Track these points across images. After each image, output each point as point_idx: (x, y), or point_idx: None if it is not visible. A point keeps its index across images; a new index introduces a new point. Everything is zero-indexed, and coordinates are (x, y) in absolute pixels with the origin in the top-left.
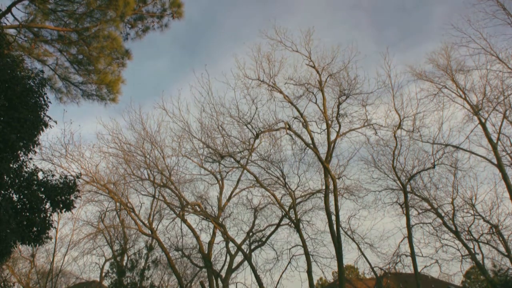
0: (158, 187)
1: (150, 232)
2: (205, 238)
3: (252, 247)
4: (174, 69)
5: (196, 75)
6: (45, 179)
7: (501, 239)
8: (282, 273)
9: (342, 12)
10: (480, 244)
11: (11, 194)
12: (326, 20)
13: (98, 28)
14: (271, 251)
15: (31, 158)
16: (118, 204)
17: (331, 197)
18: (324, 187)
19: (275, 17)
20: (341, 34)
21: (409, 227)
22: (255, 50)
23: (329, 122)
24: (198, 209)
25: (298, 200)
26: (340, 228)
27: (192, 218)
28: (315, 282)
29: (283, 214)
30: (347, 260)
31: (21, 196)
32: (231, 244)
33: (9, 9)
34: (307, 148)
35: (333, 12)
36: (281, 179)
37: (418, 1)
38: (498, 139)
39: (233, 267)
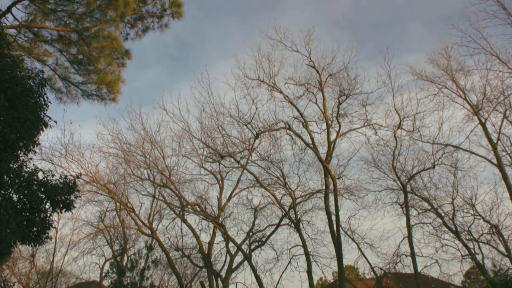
0: (158, 187)
1: (150, 232)
2: (205, 238)
3: (252, 247)
4: (164, 79)
5: (196, 75)
6: (45, 179)
7: (501, 239)
8: (282, 273)
9: (322, 28)
10: (480, 244)
11: (11, 194)
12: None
13: (98, 28)
14: (271, 251)
15: (31, 158)
16: (118, 204)
17: (331, 197)
18: (324, 187)
19: (256, 33)
20: (322, 46)
21: (409, 227)
22: (255, 50)
23: (329, 122)
24: (198, 209)
25: (298, 200)
26: (340, 228)
27: (192, 218)
28: (315, 282)
29: (283, 214)
30: (347, 260)
31: (21, 196)
32: (231, 244)
33: (9, 9)
34: (307, 148)
35: (314, 27)
36: (281, 179)
37: (392, 19)
38: (498, 139)
39: (233, 267)
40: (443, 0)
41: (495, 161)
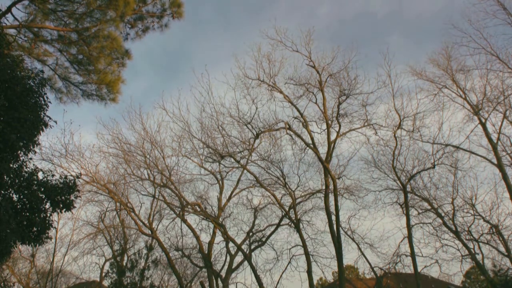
0: (158, 187)
1: (150, 232)
2: (205, 238)
3: (252, 247)
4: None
5: (196, 75)
6: (45, 179)
7: (501, 239)
8: (282, 273)
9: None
10: (480, 244)
11: (11, 194)
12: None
13: (98, 28)
14: (271, 251)
15: (31, 158)
16: (118, 204)
17: (331, 197)
18: (324, 187)
19: (241, 49)
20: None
21: (409, 227)
22: (255, 50)
23: (329, 122)
24: (198, 209)
25: (298, 200)
26: (340, 228)
27: (192, 218)
28: (315, 282)
29: (283, 214)
30: (347, 260)
31: (21, 196)
32: (231, 244)
33: (9, 9)
34: (307, 148)
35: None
36: (281, 179)
37: (373, 32)
38: (498, 139)
39: (233, 267)
40: (420, 14)
41: (495, 161)
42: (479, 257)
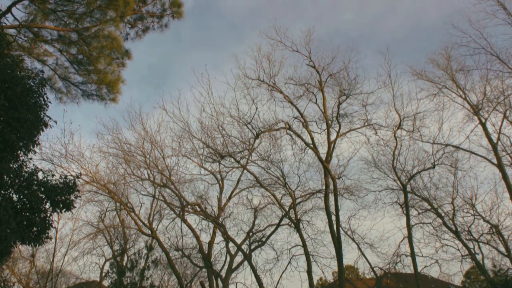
0: (158, 187)
1: (150, 232)
2: (205, 238)
3: (252, 247)
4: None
5: (196, 75)
6: (45, 179)
7: (501, 239)
8: (282, 273)
9: (283, 52)
10: (480, 244)
11: (11, 194)
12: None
13: (98, 28)
14: (271, 251)
15: (31, 158)
16: (118, 204)
17: (331, 197)
18: (324, 187)
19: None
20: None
21: (409, 227)
22: (255, 50)
23: (329, 122)
24: (198, 209)
25: (298, 200)
26: (340, 228)
27: (192, 218)
28: (315, 282)
29: (283, 214)
30: (347, 260)
31: (21, 196)
32: (231, 244)
33: (9, 9)
34: (307, 148)
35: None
36: (281, 179)
37: (350, 46)
38: (498, 139)
39: (233, 267)
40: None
41: (495, 161)
42: (479, 257)
